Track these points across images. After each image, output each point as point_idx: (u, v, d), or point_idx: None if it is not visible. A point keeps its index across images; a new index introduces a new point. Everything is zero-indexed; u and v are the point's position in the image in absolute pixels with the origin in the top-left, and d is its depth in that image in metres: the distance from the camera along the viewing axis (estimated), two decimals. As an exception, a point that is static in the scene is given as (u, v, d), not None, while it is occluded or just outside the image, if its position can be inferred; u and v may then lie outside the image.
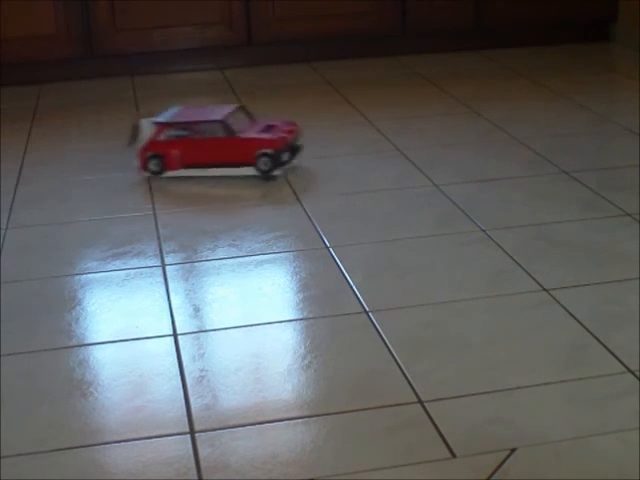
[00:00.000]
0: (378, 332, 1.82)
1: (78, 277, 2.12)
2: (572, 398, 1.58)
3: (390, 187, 2.59)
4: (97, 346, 1.82)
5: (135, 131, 2.73)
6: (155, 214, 2.47)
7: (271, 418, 1.56)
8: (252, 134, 2.69)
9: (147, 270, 2.14)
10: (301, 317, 1.90)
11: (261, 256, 2.19)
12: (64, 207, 2.54)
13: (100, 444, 1.51)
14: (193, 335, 1.85)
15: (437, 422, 1.52)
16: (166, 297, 2.00)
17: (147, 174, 2.70)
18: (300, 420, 1.55)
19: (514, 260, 2.10)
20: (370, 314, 1.89)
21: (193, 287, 2.05)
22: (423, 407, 1.57)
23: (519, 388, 1.61)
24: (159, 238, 2.31)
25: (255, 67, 4.07)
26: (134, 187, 2.67)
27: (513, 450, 1.44)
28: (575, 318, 1.84)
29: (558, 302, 1.90)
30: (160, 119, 2.71)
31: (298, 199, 2.52)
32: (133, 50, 3.95)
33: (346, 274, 2.07)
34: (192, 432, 1.53)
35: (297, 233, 2.31)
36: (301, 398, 1.61)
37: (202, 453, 1.48)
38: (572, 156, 2.77)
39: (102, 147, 3.06)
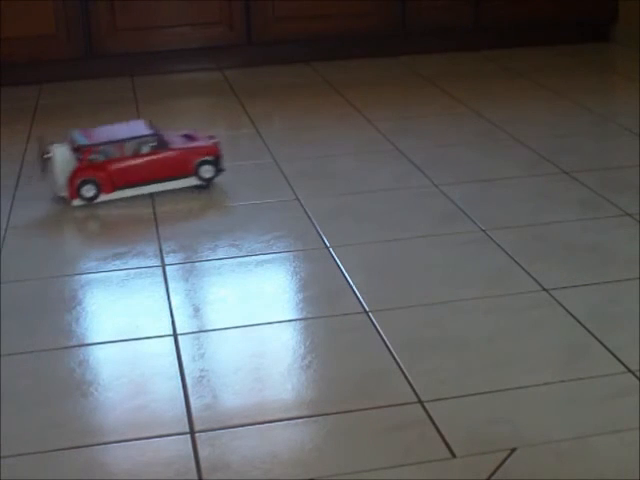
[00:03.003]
0: (378, 332, 1.82)
1: (78, 277, 2.12)
2: (572, 398, 1.58)
3: (390, 187, 2.59)
4: (97, 346, 1.82)
5: (45, 159, 2.55)
6: (155, 214, 2.47)
7: (271, 418, 1.56)
8: (184, 144, 2.63)
9: (147, 270, 2.14)
10: (301, 317, 1.90)
11: (261, 256, 2.19)
12: (64, 207, 2.54)
13: (100, 444, 1.51)
14: (193, 335, 1.85)
15: (437, 422, 1.52)
16: (166, 297, 2.00)
17: (79, 202, 2.52)
18: (300, 420, 1.55)
19: (514, 260, 2.10)
20: (370, 314, 1.89)
21: (193, 287, 2.05)
22: (423, 407, 1.57)
23: (519, 388, 1.61)
24: (159, 238, 2.31)
25: (255, 67, 4.07)
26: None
27: (513, 450, 1.44)
28: (575, 318, 1.84)
29: (558, 302, 1.90)
30: (80, 142, 2.54)
31: (298, 199, 2.52)
32: (133, 50, 3.95)
33: (346, 274, 2.07)
34: (192, 432, 1.53)
35: (297, 233, 2.31)
36: (301, 398, 1.61)
37: (202, 453, 1.48)
38: (572, 156, 2.77)
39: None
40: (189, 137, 2.69)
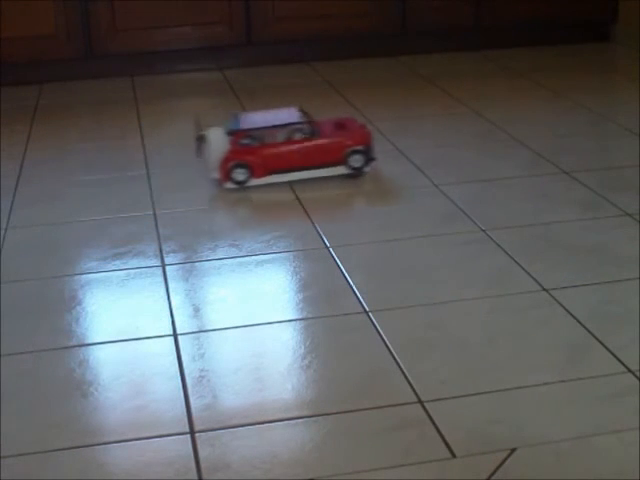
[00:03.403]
0: (378, 332, 1.82)
1: (78, 277, 2.12)
2: (572, 398, 1.58)
3: (390, 187, 2.59)
4: (97, 346, 1.82)
5: (201, 141, 2.62)
6: (155, 214, 2.47)
7: (271, 418, 1.56)
8: (335, 132, 2.66)
9: (147, 270, 2.14)
10: (301, 317, 1.90)
11: (261, 256, 2.19)
12: (64, 207, 2.54)
13: (100, 444, 1.51)
14: (193, 335, 1.85)
15: (437, 422, 1.52)
16: (166, 297, 2.00)
17: (231, 185, 2.58)
18: (300, 420, 1.55)
19: (514, 260, 2.10)
20: (370, 314, 1.89)
21: (193, 287, 2.05)
22: (423, 407, 1.57)
23: (519, 388, 1.61)
24: (159, 238, 2.31)
25: (255, 67, 4.07)
26: (134, 187, 2.67)
27: (513, 450, 1.44)
28: (575, 318, 1.84)
29: (558, 302, 1.90)
30: (234, 126, 2.61)
31: (298, 199, 2.52)
32: (133, 50, 3.95)
33: (346, 274, 2.07)
34: (192, 432, 1.53)
35: (297, 233, 2.31)
36: (301, 398, 1.61)
37: (202, 453, 1.48)
38: (572, 156, 2.77)
39: (102, 147, 3.06)
40: (340, 125, 2.71)
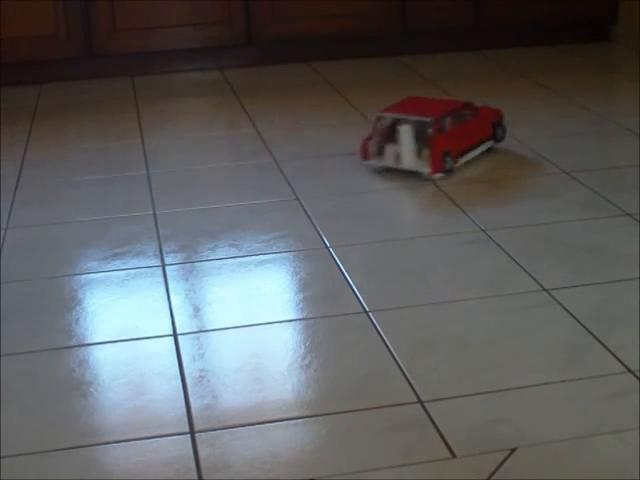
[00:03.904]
0: (378, 332, 1.82)
1: (78, 277, 2.12)
2: (572, 398, 1.58)
3: (390, 187, 2.59)
4: (97, 346, 1.82)
5: (392, 138, 2.65)
6: (155, 214, 2.47)
7: (271, 418, 1.56)
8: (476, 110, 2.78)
9: (147, 270, 2.14)
10: (301, 317, 1.90)
11: (261, 256, 2.19)
12: (64, 207, 2.54)
13: (100, 444, 1.51)
14: (193, 335, 1.85)
15: (437, 422, 1.52)
16: (166, 297, 2.00)
17: (440, 175, 2.60)
18: (300, 420, 1.55)
19: (514, 260, 2.10)
20: (370, 314, 1.89)
21: (193, 287, 2.05)
22: (423, 407, 1.57)
23: (519, 388, 1.61)
24: (159, 238, 2.31)
25: (255, 67, 4.07)
26: (134, 187, 2.67)
27: (513, 450, 1.44)
28: (575, 318, 1.84)
29: (558, 302, 1.90)
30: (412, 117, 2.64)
31: (298, 199, 2.52)
32: (133, 50, 3.95)
33: (346, 274, 2.07)
34: (192, 432, 1.53)
35: (297, 233, 2.31)
36: (301, 398, 1.61)
37: (202, 453, 1.48)
38: (572, 156, 2.77)
39: (102, 147, 3.06)
40: (446, 103, 2.78)
